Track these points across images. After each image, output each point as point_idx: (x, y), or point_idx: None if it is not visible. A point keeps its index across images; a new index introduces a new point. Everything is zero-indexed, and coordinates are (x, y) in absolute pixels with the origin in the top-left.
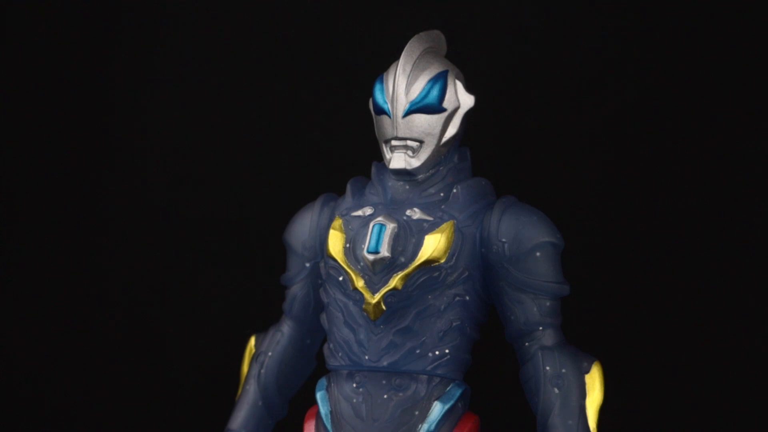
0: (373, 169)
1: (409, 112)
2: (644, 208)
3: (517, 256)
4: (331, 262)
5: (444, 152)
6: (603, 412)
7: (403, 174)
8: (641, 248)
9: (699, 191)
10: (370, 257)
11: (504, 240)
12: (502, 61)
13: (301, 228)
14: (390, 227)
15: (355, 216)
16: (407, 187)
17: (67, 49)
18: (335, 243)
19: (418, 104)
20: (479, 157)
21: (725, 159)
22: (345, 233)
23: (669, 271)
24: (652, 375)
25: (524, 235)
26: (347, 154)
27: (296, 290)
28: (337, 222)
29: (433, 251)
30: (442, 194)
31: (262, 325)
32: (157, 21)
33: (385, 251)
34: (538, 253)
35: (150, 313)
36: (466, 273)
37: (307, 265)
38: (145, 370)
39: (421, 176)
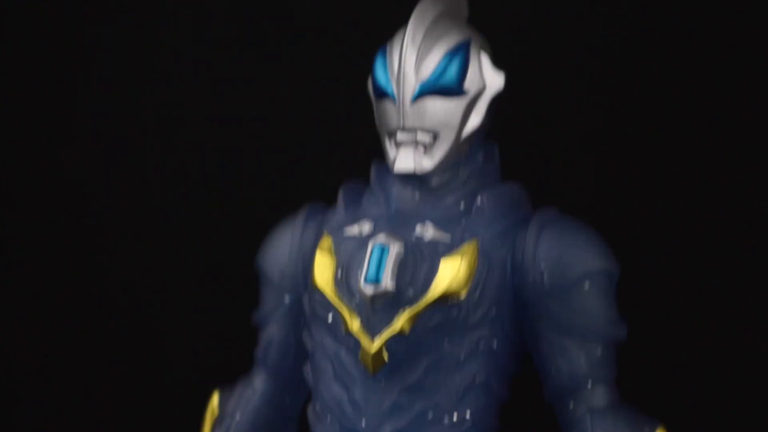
0: (373, 171)
1: (419, 96)
2: (644, 208)
3: (560, 288)
4: (318, 296)
5: (465, 149)
6: None
7: (411, 178)
8: (642, 248)
9: (700, 192)
10: (369, 290)
11: (543, 267)
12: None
13: (279, 250)
14: (394, 250)
15: (350, 236)
16: (417, 195)
17: (66, 49)
18: (323, 270)
19: (431, 85)
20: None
21: (726, 159)
22: (336, 257)
23: (669, 272)
24: (653, 375)
25: (569, 260)
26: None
27: (272, 332)
28: (326, 242)
29: (451, 282)
30: (462, 205)
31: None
32: (156, 17)
33: (387, 282)
34: (586, 285)
35: (149, 313)
36: (494, 311)
37: (287, 299)
38: (144, 370)
39: (435, 181)
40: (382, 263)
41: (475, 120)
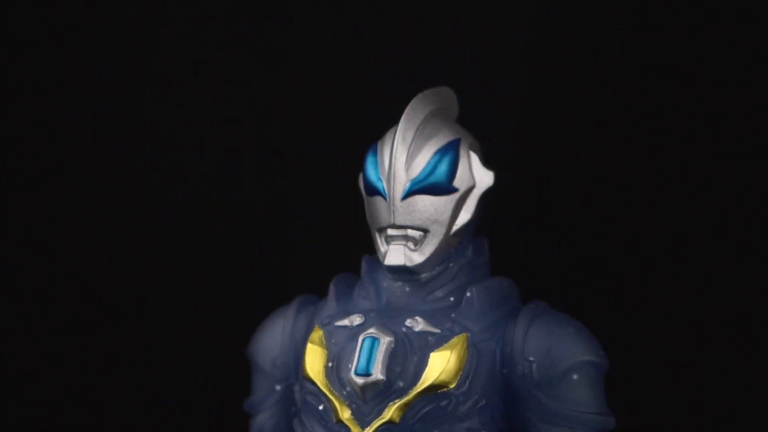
0: (364, 265)
1: (409, 193)
2: (646, 209)
3: (549, 380)
4: (309, 385)
5: (455, 244)
6: None
7: (402, 272)
8: (643, 249)
9: (702, 193)
10: (359, 381)
11: (532, 359)
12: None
13: (271, 340)
14: (385, 342)
15: (340, 326)
16: (407, 289)
17: (67, 48)
18: (314, 361)
19: (421, 183)
20: None
21: (728, 160)
22: (327, 348)
23: (670, 272)
24: (654, 375)
25: (558, 352)
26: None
27: (263, 420)
28: (317, 334)
29: (441, 373)
30: (452, 299)
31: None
32: (158, 20)
33: (378, 373)
34: (575, 376)
35: (148, 313)
36: (483, 401)
37: (278, 387)
38: (143, 370)
39: (425, 275)
40: (372, 355)
41: (465, 216)
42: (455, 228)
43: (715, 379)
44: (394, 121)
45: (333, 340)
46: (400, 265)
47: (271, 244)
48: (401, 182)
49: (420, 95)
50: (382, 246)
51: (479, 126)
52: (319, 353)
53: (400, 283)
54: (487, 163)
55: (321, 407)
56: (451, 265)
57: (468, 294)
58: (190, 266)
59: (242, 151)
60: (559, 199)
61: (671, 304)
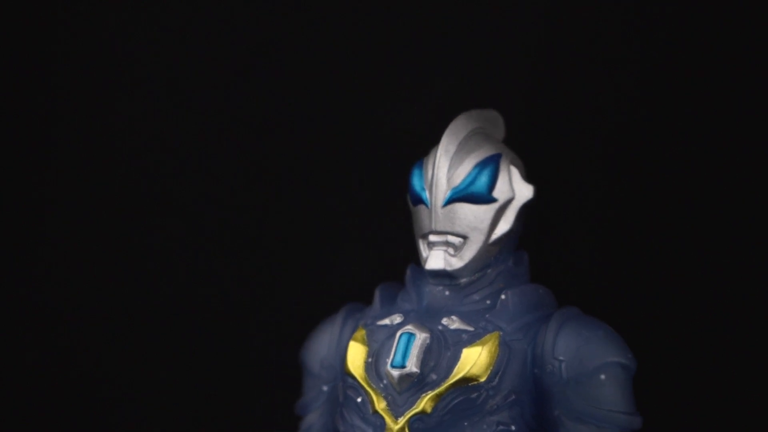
0: (408, 272)
1: (450, 201)
2: (651, 210)
3: (577, 379)
4: (350, 380)
5: (494, 252)
6: None
7: (442, 276)
8: (646, 250)
9: (704, 193)
10: (395, 373)
11: (561, 358)
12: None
13: (320, 344)
14: (420, 337)
15: (381, 325)
16: (447, 293)
17: (66, 47)
18: (355, 357)
19: (462, 192)
20: None
21: (732, 161)
22: (368, 346)
23: (675, 273)
24: (655, 376)
25: (586, 353)
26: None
27: (313, 420)
28: (360, 333)
29: (472, 367)
30: (488, 302)
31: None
32: (156, 24)
33: (412, 366)
34: (603, 376)
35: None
36: (513, 397)
37: (325, 388)
38: (143, 369)
39: (464, 280)
40: (408, 349)
41: (504, 226)
42: (494, 237)
43: (718, 379)
44: (397, 129)
45: (374, 338)
46: (440, 269)
47: (267, 251)
48: (442, 190)
49: (464, 114)
50: (424, 252)
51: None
52: (360, 350)
53: (440, 287)
54: (528, 179)
55: (359, 399)
56: (489, 271)
57: (503, 296)
58: (186, 270)
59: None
60: (556, 210)
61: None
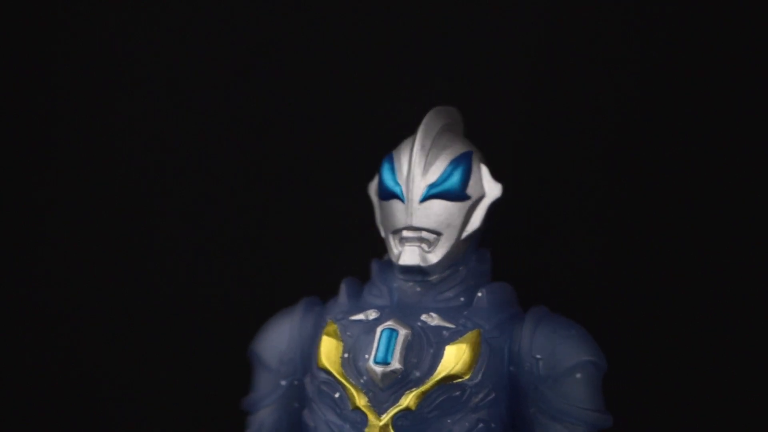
0: (374, 267)
1: (427, 197)
2: (651, 210)
3: (554, 377)
4: (324, 375)
5: (464, 249)
6: None
7: (414, 273)
8: (646, 250)
9: (701, 201)
10: (378, 369)
11: (539, 356)
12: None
13: (278, 337)
14: (402, 333)
15: (355, 320)
16: (418, 289)
17: (66, 47)
18: (329, 352)
19: (437, 188)
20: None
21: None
22: (342, 341)
23: (675, 273)
24: (655, 375)
25: (563, 351)
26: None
27: (264, 416)
28: (331, 327)
29: (456, 364)
30: (462, 299)
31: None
32: (156, 24)
33: (396, 362)
34: (578, 375)
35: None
36: (493, 394)
37: (283, 383)
38: (142, 369)
39: (435, 277)
40: (390, 346)
41: (475, 223)
42: (465, 234)
43: (710, 382)
44: (397, 129)
45: (348, 333)
46: (415, 265)
47: (267, 251)
48: (419, 186)
49: (434, 110)
50: (395, 248)
51: (480, 138)
52: (334, 345)
53: (411, 284)
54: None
55: (337, 395)
56: (461, 268)
57: (479, 294)
58: (186, 271)
59: (242, 160)
60: (557, 210)
61: (664, 309)
